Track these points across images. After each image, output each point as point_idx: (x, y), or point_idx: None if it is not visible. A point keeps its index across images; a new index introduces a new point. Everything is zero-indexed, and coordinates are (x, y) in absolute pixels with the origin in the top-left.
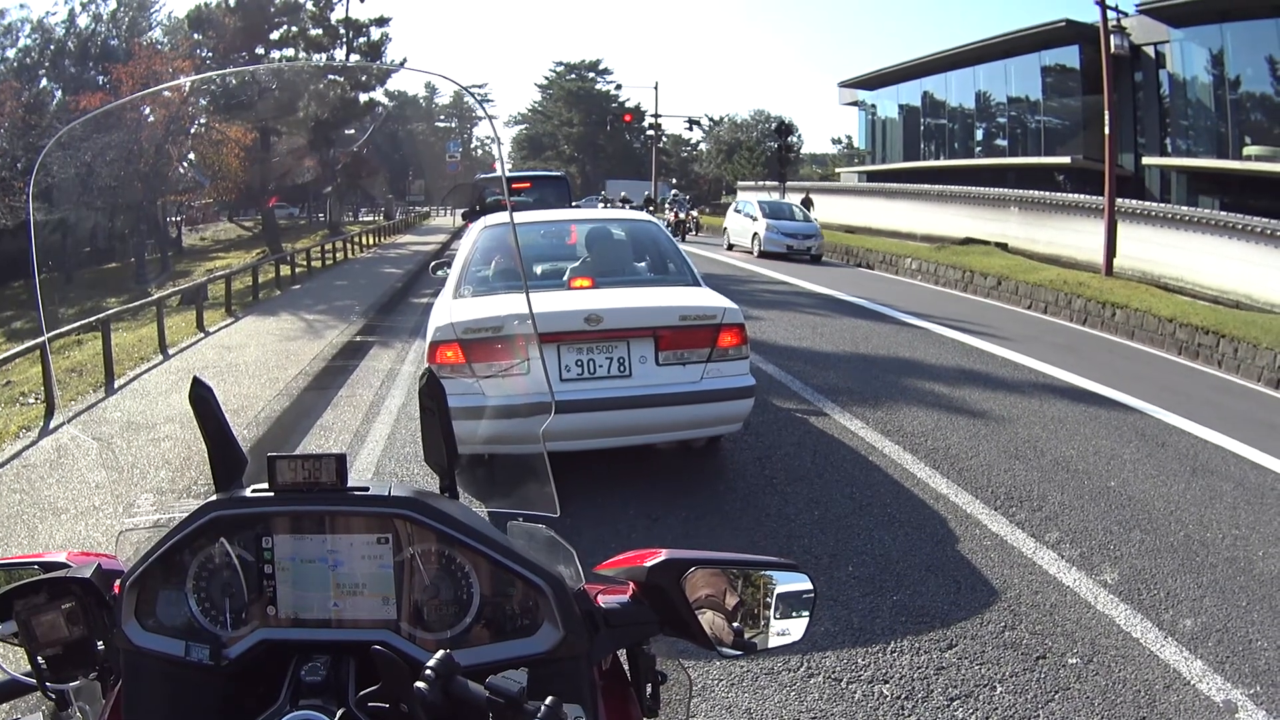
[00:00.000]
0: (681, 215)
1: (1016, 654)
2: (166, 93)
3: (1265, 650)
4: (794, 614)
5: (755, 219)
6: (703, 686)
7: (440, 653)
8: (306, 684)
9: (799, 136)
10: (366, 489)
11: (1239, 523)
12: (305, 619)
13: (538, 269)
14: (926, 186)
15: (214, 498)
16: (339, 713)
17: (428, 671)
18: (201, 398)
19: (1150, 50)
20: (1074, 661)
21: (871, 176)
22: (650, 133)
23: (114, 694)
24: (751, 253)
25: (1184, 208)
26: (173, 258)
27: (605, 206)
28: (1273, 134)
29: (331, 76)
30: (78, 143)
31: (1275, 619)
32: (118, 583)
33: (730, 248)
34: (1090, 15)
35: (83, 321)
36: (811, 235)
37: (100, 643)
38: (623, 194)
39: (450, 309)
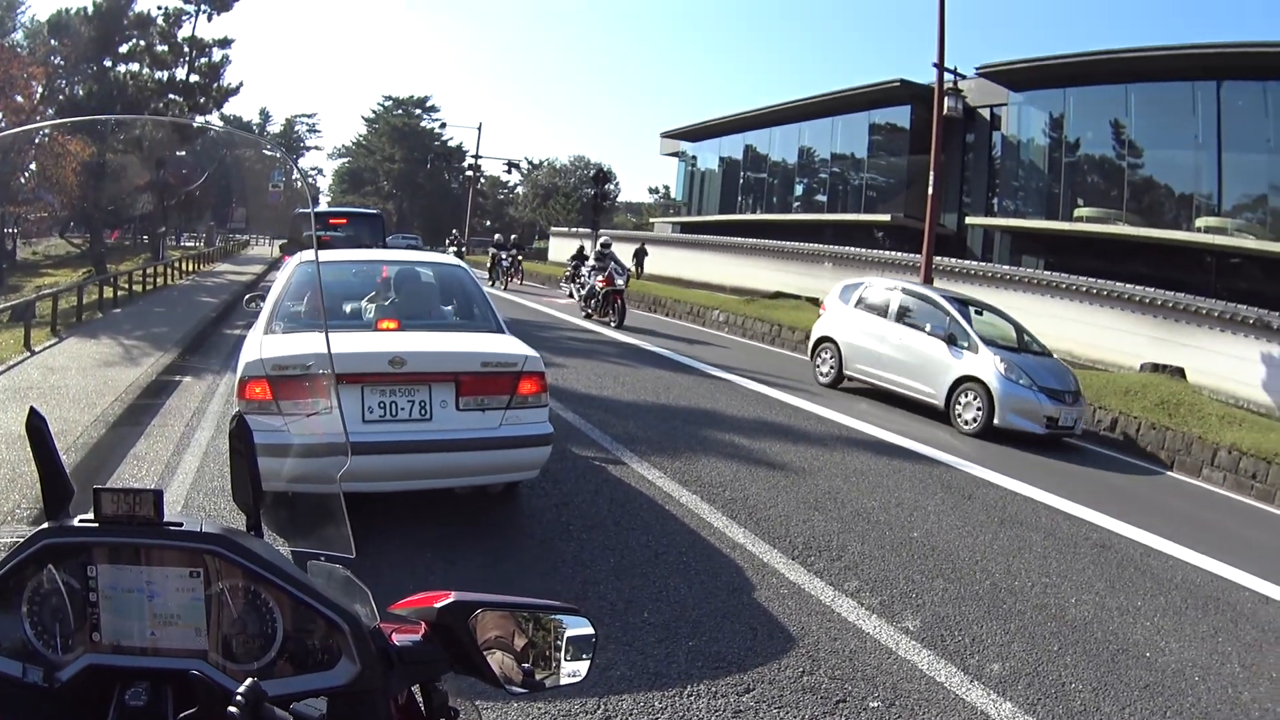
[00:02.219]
0: (619, 281)
1: (815, 698)
2: (19, 99)
3: (1080, 691)
4: (582, 656)
5: (965, 345)
6: None
7: (249, 680)
8: (130, 708)
9: (616, 184)
10: (180, 524)
11: (1049, 571)
12: (126, 646)
13: (347, 308)
14: (740, 240)
15: (45, 526)
16: None
17: (238, 698)
18: (36, 428)
19: (986, 112)
20: (875, 705)
21: (686, 228)
22: (469, 173)
23: None
24: (963, 424)
25: (1005, 266)
26: (6, 270)
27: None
28: (1109, 196)
29: (172, 96)
30: None
31: (1090, 662)
32: None
33: (842, 379)
34: (927, 76)
35: None
36: (1078, 396)
37: None
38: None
39: (261, 345)
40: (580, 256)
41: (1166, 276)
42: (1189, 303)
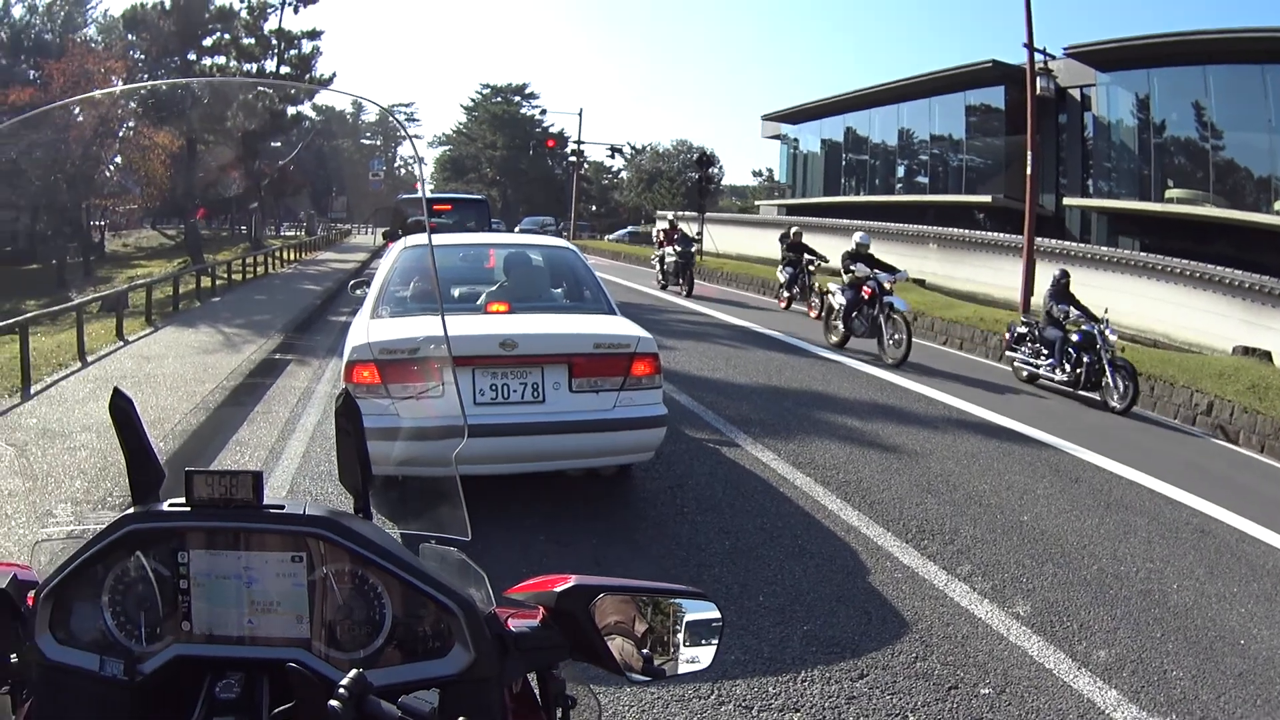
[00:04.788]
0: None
1: (928, 684)
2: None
3: (1180, 680)
4: (703, 642)
5: None
6: (613, 713)
7: (354, 672)
8: (220, 701)
9: (720, 168)
10: (282, 507)
11: (1153, 556)
12: (219, 635)
13: (455, 292)
14: (845, 221)
15: (131, 510)
16: None
17: (341, 690)
18: (121, 409)
19: (1076, 93)
20: (986, 692)
21: (791, 210)
22: (572, 159)
23: (25, 709)
24: None
25: (1104, 248)
26: (95, 263)
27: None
28: (1196, 177)
29: (260, 88)
30: (3, 139)
31: (1190, 649)
32: (31, 594)
33: None
34: (1018, 57)
35: (1, 324)
36: None
37: (13, 655)
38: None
39: (368, 329)
40: (857, 255)
41: (1252, 259)
42: (1275, 286)
